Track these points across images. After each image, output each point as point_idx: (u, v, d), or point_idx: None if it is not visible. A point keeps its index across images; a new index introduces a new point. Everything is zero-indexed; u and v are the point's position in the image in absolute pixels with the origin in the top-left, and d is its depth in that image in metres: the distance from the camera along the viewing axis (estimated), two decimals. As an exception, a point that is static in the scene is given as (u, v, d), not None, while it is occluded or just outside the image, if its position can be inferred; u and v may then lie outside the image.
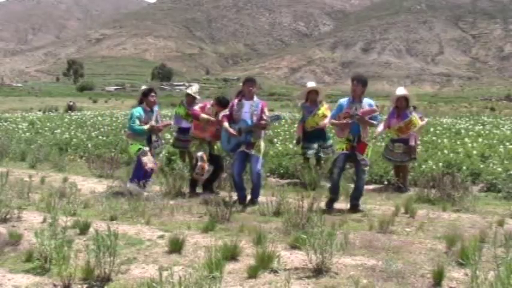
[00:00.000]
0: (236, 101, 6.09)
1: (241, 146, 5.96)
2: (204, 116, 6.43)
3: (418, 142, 7.94)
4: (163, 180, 6.58)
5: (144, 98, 6.62)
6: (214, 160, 6.63)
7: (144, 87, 7.10)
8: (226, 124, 6.03)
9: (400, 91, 7.22)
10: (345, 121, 5.64)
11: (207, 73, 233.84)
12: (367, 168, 5.82)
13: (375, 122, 5.83)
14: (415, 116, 7.11)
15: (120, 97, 57.90)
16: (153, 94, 6.65)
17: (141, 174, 6.35)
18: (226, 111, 6.18)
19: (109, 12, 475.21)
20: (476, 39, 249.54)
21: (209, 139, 6.58)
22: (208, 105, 6.58)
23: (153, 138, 6.70)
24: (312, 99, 7.64)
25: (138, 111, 6.55)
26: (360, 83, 5.77)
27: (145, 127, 6.46)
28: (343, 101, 5.88)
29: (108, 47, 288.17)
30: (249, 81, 6.10)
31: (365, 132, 5.71)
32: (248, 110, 5.98)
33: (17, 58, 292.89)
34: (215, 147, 6.83)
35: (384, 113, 14.66)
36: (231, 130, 5.95)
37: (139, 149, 6.50)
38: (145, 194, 6.01)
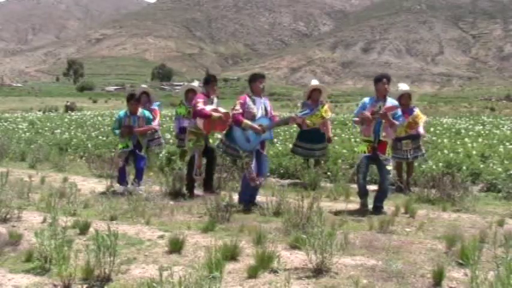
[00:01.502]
0: (247, 98, 5.86)
1: (257, 144, 5.80)
2: (215, 114, 6.10)
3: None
4: (163, 180, 6.57)
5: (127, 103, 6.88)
6: (208, 152, 6.52)
7: (143, 86, 7.18)
8: (249, 122, 5.70)
9: (404, 87, 7.21)
10: (368, 116, 5.52)
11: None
12: (390, 168, 5.74)
13: (397, 122, 5.68)
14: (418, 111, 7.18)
15: (120, 97, 57.84)
16: (132, 102, 6.80)
17: (121, 174, 6.71)
18: (238, 109, 5.79)
19: (109, 12, 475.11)
20: (476, 39, 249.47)
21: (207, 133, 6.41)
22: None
23: (141, 139, 6.81)
24: (314, 97, 7.65)
25: (120, 114, 6.93)
26: (389, 81, 5.70)
27: (117, 132, 6.78)
28: (367, 100, 5.82)
29: (108, 47, 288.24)
30: (261, 77, 5.91)
31: (386, 131, 5.62)
32: (260, 107, 5.83)
33: (17, 58, 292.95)
34: (209, 139, 6.68)
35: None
36: (257, 127, 5.70)
37: (120, 149, 6.89)
38: (140, 191, 6.00)
